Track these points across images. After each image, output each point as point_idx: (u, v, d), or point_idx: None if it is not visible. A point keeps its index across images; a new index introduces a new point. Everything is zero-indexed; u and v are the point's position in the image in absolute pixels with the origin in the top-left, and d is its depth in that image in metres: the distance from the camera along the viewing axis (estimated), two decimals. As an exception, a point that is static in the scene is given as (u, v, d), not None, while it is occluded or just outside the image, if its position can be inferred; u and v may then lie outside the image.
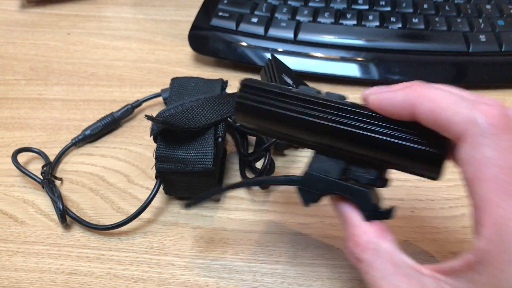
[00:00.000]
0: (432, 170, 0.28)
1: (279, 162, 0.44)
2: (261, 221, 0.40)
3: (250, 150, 0.44)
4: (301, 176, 0.31)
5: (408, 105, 0.26)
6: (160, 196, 0.42)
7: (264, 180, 0.39)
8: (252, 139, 0.45)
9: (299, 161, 0.44)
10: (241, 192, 0.42)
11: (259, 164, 0.42)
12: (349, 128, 0.28)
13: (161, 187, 0.40)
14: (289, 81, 0.42)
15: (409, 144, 0.27)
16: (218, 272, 0.37)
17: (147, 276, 0.37)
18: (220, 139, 0.38)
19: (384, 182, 0.30)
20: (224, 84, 0.43)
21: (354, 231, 0.28)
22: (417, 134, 0.27)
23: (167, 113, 0.38)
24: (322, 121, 0.29)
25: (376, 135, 0.28)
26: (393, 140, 0.27)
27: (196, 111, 0.38)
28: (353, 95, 0.45)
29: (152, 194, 0.39)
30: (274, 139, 0.40)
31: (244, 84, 0.32)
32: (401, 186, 0.42)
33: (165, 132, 0.38)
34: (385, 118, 0.28)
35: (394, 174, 0.41)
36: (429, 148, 0.27)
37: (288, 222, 0.40)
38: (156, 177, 0.39)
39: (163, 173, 0.39)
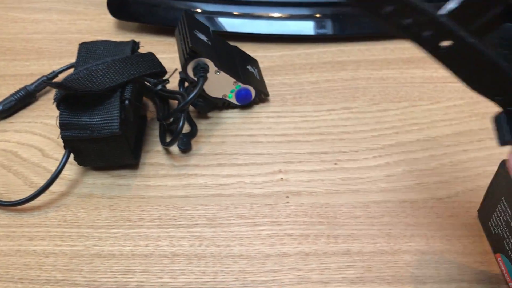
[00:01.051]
0: None
1: (202, 125, 0.42)
2: (180, 185, 0.38)
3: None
4: None
5: None
6: (75, 168, 0.40)
7: None
8: (174, 103, 0.43)
9: (222, 122, 0.42)
10: (161, 158, 0.40)
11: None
12: None
13: (73, 158, 0.38)
14: (203, 37, 0.40)
15: None
16: (134, 240, 0.35)
17: (59, 250, 0.35)
18: (127, 102, 0.36)
19: None
20: (135, 45, 0.41)
21: None
22: None
23: (70, 78, 0.36)
24: None
25: None
26: None
27: (100, 74, 0.36)
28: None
29: (61, 165, 0.37)
30: (189, 98, 0.38)
31: None
32: (324, 139, 0.40)
33: (69, 98, 0.36)
34: None
35: (318, 129, 0.40)
36: None
37: (208, 184, 0.38)
38: (65, 147, 0.37)
39: (70, 141, 0.36)
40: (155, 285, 0.33)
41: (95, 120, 0.35)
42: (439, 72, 0.45)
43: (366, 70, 0.46)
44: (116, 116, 0.35)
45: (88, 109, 0.36)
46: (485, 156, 0.39)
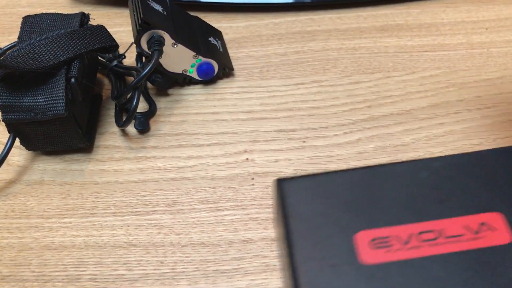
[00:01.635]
0: None
1: (161, 103, 0.39)
2: (137, 169, 0.36)
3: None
4: None
5: None
6: (24, 153, 0.37)
7: None
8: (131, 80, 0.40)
9: (183, 100, 0.39)
10: (116, 140, 0.37)
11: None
12: None
13: (20, 142, 0.35)
14: (157, 7, 0.37)
15: None
16: (87, 230, 0.33)
17: (6, 242, 0.32)
18: (73, 80, 0.33)
19: None
20: (84, 18, 0.37)
21: None
22: None
23: (10, 55, 0.33)
24: None
25: None
26: None
27: (43, 50, 0.33)
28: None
29: (5, 150, 0.34)
30: (143, 74, 0.35)
31: None
32: (292, 116, 0.38)
33: (9, 78, 0.32)
34: None
35: (286, 105, 0.37)
36: None
37: (168, 167, 0.36)
38: (9, 131, 0.34)
39: (14, 125, 0.33)
40: (110, 278, 0.31)
41: (38, 101, 0.32)
42: (414, 41, 0.42)
43: (337, 40, 0.43)
44: (61, 96, 0.32)
45: (31, 89, 0.33)
46: (463, 130, 0.37)
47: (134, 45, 0.38)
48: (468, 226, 0.25)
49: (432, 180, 0.26)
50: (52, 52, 0.33)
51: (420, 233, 0.25)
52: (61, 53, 0.33)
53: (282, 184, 0.27)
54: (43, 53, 0.33)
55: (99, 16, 0.46)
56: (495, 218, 0.25)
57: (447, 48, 0.42)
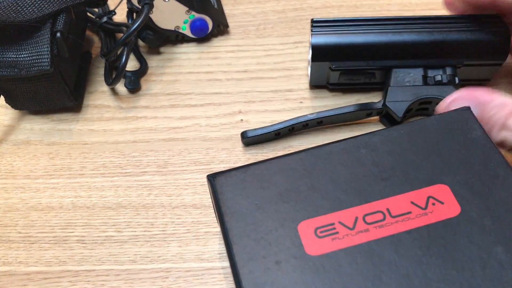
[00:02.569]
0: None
1: (153, 61, 0.38)
2: (127, 129, 0.34)
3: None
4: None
5: None
6: (10, 112, 0.36)
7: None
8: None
9: (176, 58, 0.38)
10: (106, 99, 0.36)
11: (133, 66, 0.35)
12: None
13: (5, 100, 0.33)
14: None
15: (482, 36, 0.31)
16: (75, 191, 0.32)
17: (-8, 203, 0.32)
18: (59, 34, 0.31)
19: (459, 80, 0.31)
20: (70, -31, 0.35)
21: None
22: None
23: (-9, 7, 0.31)
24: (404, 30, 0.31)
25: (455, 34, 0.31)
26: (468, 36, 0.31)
27: (27, 2, 0.31)
28: None
29: (-10, 108, 0.32)
30: (132, 29, 0.33)
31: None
32: (289, 76, 0.36)
33: (-8, 32, 0.31)
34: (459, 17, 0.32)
35: (283, 64, 0.35)
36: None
37: (159, 127, 0.34)
38: (-7, 88, 0.33)
39: (-2, 82, 0.32)
40: (98, 240, 0.30)
41: (22, 56, 0.31)
42: (419, -2, 0.40)
43: (338, -3, 0.41)
44: (46, 51, 0.31)
45: (15, 43, 0.31)
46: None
47: (124, 1, 0.36)
48: (415, 202, 0.23)
49: (372, 157, 0.25)
50: (36, 4, 0.31)
51: (366, 215, 0.23)
52: (45, 5, 0.31)
53: (214, 181, 0.25)
54: (27, 6, 0.31)
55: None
56: (441, 191, 0.23)
57: (453, 6, 0.40)
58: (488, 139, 0.25)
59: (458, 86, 0.31)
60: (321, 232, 0.23)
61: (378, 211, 0.23)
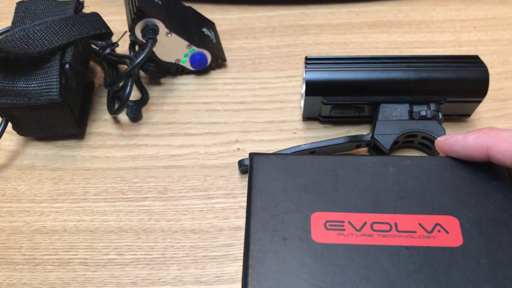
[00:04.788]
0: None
1: (154, 92, 0.40)
2: (129, 156, 0.36)
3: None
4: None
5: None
6: (16, 138, 0.37)
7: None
8: (124, 68, 0.40)
9: (176, 89, 0.40)
10: (108, 127, 0.38)
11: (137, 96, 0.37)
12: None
13: (12, 127, 0.35)
14: (153, -3, 0.37)
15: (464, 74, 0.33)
16: (78, 215, 0.33)
17: (-3, 226, 0.33)
18: (67, 66, 0.33)
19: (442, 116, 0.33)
20: (79, 5, 0.37)
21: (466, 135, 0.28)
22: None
23: (4, 39, 0.33)
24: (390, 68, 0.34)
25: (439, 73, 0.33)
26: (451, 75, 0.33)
27: (38, 35, 0.33)
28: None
29: (-3, 135, 0.34)
30: (137, 62, 0.35)
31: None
32: (283, 107, 0.38)
33: (3, 62, 0.33)
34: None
35: (277, 96, 0.37)
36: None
37: (160, 155, 0.36)
38: (1, 115, 0.34)
39: (7, 109, 0.34)
40: (100, 262, 0.31)
41: (32, 85, 0.32)
42: (404, 37, 0.43)
43: (329, 35, 0.44)
44: (55, 81, 0.32)
45: (25, 73, 0.33)
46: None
47: (127, 34, 0.38)
48: (422, 225, 0.25)
49: (397, 176, 0.27)
50: (46, 37, 0.33)
51: (374, 223, 0.25)
52: (55, 38, 0.33)
53: (254, 158, 0.28)
54: (38, 38, 0.33)
55: (92, 4, 0.46)
56: (450, 222, 0.26)
57: (436, 45, 0.43)
58: (510, 190, 0.27)
59: (441, 121, 0.34)
60: (330, 225, 0.26)
61: (386, 222, 0.26)
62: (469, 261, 0.24)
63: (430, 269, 0.24)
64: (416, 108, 0.34)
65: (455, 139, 0.28)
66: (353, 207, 0.26)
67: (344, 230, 0.25)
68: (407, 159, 0.28)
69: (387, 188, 0.27)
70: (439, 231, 0.25)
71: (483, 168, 0.28)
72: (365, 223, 0.26)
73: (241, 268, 0.31)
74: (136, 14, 0.35)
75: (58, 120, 0.35)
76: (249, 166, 0.29)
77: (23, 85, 0.32)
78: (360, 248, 0.25)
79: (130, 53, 0.40)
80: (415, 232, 0.25)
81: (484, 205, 0.26)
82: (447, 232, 0.25)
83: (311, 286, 0.24)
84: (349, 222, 0.26)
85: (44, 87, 0.32)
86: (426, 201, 0.26)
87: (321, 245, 0.25)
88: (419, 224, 0.25)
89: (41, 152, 0.36)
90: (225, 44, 0.43)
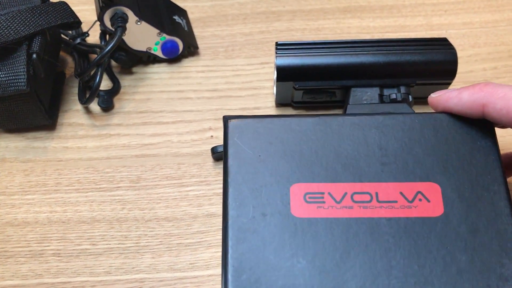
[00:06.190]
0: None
1: (125, 81, 0.39)
2: (101, 146, 0.36)
3: (91, 70, 0.38)
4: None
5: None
6: (-15, 130, 0.36)
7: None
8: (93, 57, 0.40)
9: (148, 78, 0.39)
10: (80, 117, 0.37)
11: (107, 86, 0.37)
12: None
13: (-20, 119, 0.34)
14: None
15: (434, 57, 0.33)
16: (50, 206, 0.33)
17: (-33, 220, 0.32)
18: (35, 55, 0.33)
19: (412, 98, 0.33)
20: (46, -6, 0.37)
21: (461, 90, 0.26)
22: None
23: (-32, 30, 0.32)
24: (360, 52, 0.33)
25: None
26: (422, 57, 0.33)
27: (3, 25, 0.32)
28: None
29: (-35, 127, 0.33)
30: (106, 51, 0.34)
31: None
32: (257, 94, 0.38)
33: (-32, 53, 0.32)
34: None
35: (250, 83, 0.37)
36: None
37: (132, 144, 0.36)
38: (-31, 108, 0.34)
39: (-26, 102, 0.33)
40: (73, 253, 0.31)
41: (-2, 77, 0.32)
42: (376, 22, 0.43)
43: (301, 21, 0.43)
44: (22, 71, 0.32)
45: (-9, 64, 0.32)
46: (420, 107, 0.38)
47: (97, 23, 0.38)
48: (403, 193, 0.25)
49: (380, 139, 0.26)
50: (12, 27, 0.33)
51: (355, 193, 0.25)
52: (22, 28, 0.33)
53: (228, 123, 0.27)
54: (3, 28, 0.32)
55: (62, -7, 0.45)
56: (432, 189, 0.25)
57: (407, 29, 0.43)
58: (495, 152, 0.26)
59: (411, 104, 0.34)
60: (310, 198, 0.25)
61: (367, 192, 0.25)
62: (448, 231, 0.24)
63: (410, 241, 0.24)
64: (386, 92, 0.34)
65: (449, 96, 0.27)
66: (333, 176, 0.26)
67: (324, 202, 0.25)
68: (390, 117, 0.27)
69: (368, 152, 0.26)
70: (420, 199, 0.25)
71: (471, 127, 0.27)
72: (346, 193, 0.25)
73: (215, 255, 0.31)
74: (104, 2, 0.35)
75: (27, 111, 0.34)
76: (223, 132, 0.27)
77: (-11, 76, 0.32)
78: (340, 221, 0.24)
79: (101, 42, 0.40)
80: (395, 202, 0.25)
81: (467, 170, 0.26)
82: (428, 200, 0.25)
83: (292, 266, 0.24)
84: (329, 194, 0.25)
85: (11, 77, 0.32)
86: (408, 167, 0.26)
87: (300, 220, 0.24)
88: (400, 193, 0.25)
89: (12, 144, 0.36)
90: (197, 31, 0.42)
